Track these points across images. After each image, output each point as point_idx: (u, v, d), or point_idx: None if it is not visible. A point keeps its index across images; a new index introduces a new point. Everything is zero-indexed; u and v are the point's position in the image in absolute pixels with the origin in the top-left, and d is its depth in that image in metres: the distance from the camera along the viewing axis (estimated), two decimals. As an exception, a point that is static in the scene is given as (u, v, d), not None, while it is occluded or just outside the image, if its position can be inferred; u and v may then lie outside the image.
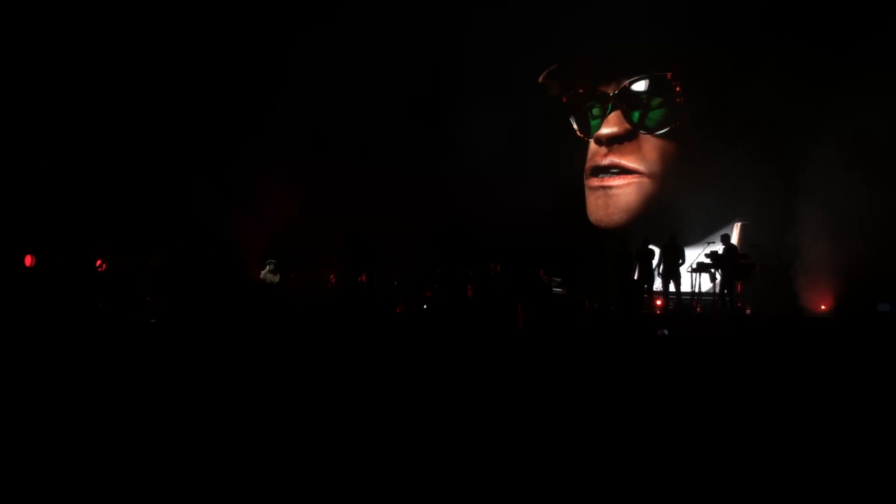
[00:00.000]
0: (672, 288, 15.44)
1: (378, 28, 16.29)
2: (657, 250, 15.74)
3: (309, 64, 16.35)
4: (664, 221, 16.19)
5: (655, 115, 17.61)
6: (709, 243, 15.43)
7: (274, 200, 15.37)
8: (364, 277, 15.16)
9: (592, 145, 18.09)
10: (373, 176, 16.76)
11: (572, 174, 18.20)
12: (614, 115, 17.68)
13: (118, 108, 15.50)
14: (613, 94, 17.76)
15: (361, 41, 16.38)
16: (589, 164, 18.08)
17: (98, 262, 13.93)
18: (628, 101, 17.70)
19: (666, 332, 13.51)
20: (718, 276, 15.11)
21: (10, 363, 8.26)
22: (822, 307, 15.32)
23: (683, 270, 15.42)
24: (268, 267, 14.57)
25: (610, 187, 17.75)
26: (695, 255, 15.53)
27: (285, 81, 16.51)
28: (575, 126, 18.52)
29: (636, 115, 17.62)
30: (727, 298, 14.96)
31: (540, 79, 18.19)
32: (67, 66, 14.98)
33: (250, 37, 16.40)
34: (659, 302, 15.68)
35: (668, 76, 17.44)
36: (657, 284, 15.68)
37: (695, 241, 16.07)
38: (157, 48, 15.90)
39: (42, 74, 14.80)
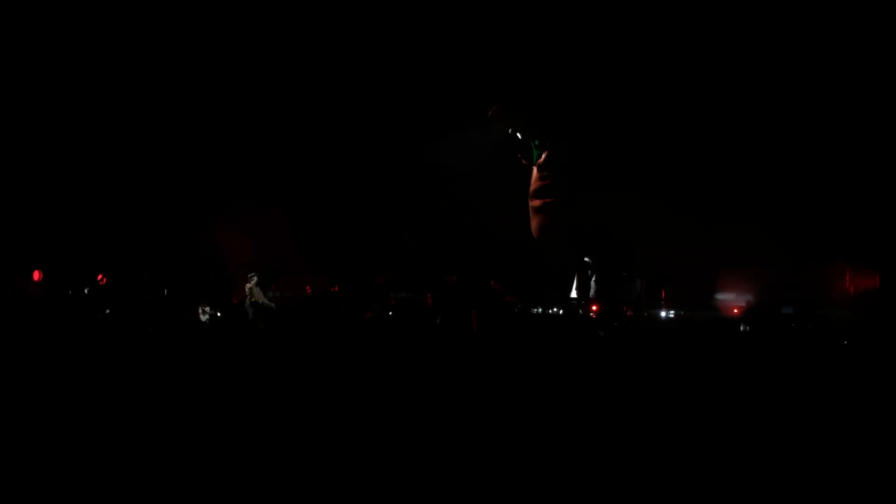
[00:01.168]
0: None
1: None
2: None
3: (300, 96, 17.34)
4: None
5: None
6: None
7: (259, 220, 16.31)
8: (336, 288, 16.56)
9: (535, 171, 19.97)
10: (351, 199, 17.94)
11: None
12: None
13: (119, 138, 16.18)
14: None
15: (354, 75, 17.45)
16: (532, 187, 19.96)
17: (99, 277, 15.10)
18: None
19: (601, 332, 15.40)
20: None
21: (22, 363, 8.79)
22: (735, 311, 17.40)
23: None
24: (254, 280, 15.67)
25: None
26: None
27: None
28: (519, 155, 20.37)
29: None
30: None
31: (488, 113, 19.96)
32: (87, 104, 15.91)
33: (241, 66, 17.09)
34: (595, 307, 17.56)
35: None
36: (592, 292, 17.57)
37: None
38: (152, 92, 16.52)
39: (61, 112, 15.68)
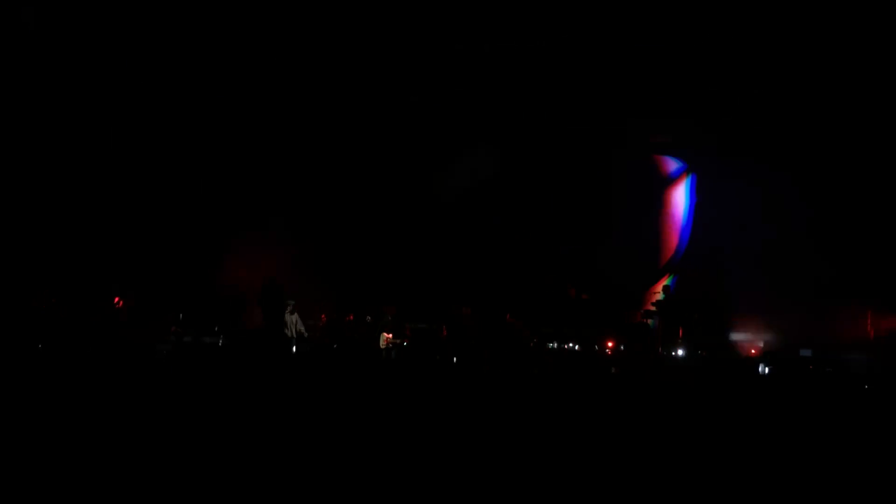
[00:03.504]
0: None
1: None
2: None
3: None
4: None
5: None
6: (655, 293, 17.30)
7: (274, 246, 16.43)
8: (351, 317, 16.57)
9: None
10: (364, 226, 18.03)
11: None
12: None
13: (139, 165, 16.63)
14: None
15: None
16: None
17: (116, 299, 15.19)
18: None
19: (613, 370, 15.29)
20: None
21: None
22: (752, 352, 17.18)
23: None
24: (288, 308, 15.15)
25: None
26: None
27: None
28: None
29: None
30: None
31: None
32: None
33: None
34: (610, 343, 17.40)
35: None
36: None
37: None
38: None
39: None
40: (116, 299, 15.13)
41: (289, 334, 15.17)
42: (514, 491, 5.51)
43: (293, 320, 15.29)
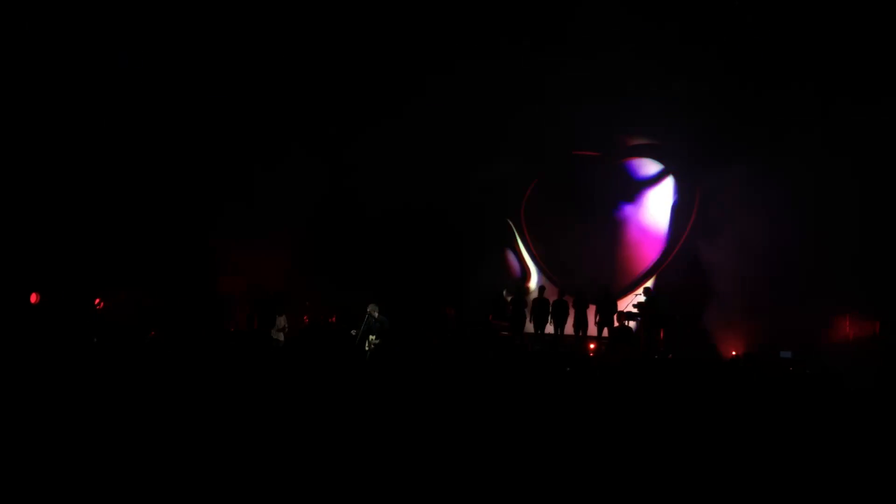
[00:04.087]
0: (605, 333, 17.37)
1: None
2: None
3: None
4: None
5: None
6: (636, 295, 17.40)
7: (258, 252, 16.34)
8: (334, 318, 16.51)
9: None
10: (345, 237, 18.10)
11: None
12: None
13: (121, 159, 16.31)
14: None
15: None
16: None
17: (97, 301, 15.06)
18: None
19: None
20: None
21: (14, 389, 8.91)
22: (733, 353, 17.27)
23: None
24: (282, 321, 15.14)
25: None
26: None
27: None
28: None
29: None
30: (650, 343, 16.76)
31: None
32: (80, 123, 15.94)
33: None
34: (592, 345, 17.49)
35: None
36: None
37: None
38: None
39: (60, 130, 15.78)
40: (97, 301, 15.02)
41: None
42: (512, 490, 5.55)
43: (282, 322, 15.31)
